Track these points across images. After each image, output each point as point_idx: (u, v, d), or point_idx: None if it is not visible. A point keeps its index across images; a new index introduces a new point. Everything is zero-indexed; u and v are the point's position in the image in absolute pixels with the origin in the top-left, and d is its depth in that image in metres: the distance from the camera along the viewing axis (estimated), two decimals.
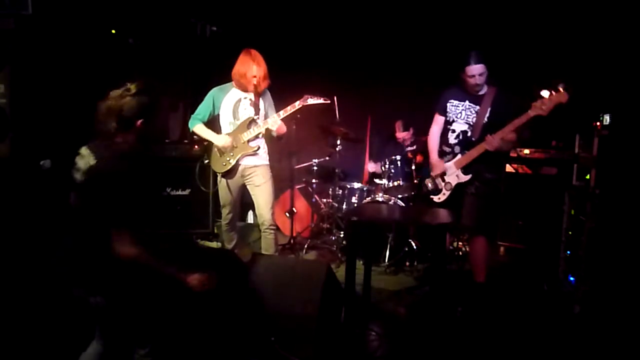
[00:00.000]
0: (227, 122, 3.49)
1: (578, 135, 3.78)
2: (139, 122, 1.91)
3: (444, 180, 3.45)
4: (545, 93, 3.09)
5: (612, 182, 3.21)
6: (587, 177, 3.46)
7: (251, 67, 3.33)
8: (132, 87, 1.93)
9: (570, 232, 3.68)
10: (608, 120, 3.27)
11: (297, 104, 3.38)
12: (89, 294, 1.87)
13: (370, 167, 5.05)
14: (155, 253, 1.90)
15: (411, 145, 4.79)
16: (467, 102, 3.37)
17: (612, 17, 4.19)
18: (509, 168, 4.51)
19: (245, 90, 3.44)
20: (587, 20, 4.35)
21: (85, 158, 1.89)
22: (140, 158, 1.99)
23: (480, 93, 3.34)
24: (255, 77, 3.33)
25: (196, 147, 4.71)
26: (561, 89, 3.00)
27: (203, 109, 3.50)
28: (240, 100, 3.47)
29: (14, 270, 3.14)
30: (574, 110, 3.80)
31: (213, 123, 3.55)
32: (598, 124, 3.32)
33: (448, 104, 3.44)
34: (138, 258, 1.84)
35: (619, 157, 3.21)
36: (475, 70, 3.22)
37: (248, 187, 3.53)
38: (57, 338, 2.66)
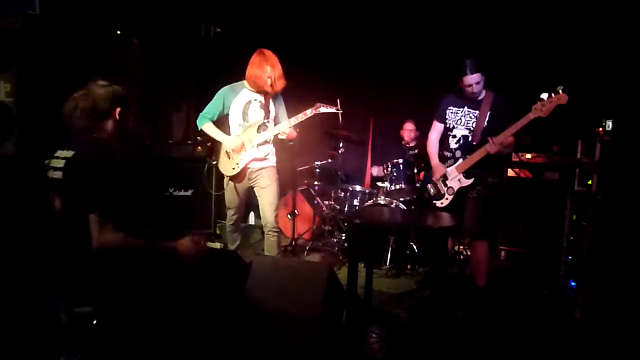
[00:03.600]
0: (236, 124, 3.44)
1: (580, 141, 3.79)
2: (117, 110, 1.98)
3: (446, 185, 3.46)
4: (544, 95, 3.13)
5: (614, 187, 3.22)
6: (589, 182, 3.47)
7: (265, 68, 3.27)
8: (100, 82, 2.02)
9: (571, 237, 3.69)
10: (610, 126, 3.28)
11: (309, 112, 3.31)
12: (73, 304, 1.81)
13: (374, 171, 5.06)
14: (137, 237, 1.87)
15: (414, 149, 4.80)
16: (465, 108, 3.39)
17: (615, 23, 4.20)
18: (510, 172, 4.52)
19: (262, 91, 3.37)
20: (590, 25, 4.37)
21: (63, 155, 1.91)
22: (121, 148, 2.03)
23: (479, 98, 3.36)
24: (270, 77, 3.27)
25: (199, 147, 4.72)
26: (560, 91, 3.03)
27: (213, 108, 3.42)
28: (250, 102, 3.41)
29: (16, 270, 3.15)
30: (577, 115, 3.82)
31: (220, 123, 3.50)
32: (600, 129, 3.32)
33: (447, 111, 3.46)
34: (119, 244, 1.81)
35: (621, 162, 3.22)
36: (472, 80, 3.24)
37: (254, 188, 3.50)
38: (56, 338, 2.66)
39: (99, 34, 4.15)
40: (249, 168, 3.43)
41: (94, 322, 1.82)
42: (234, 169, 3.41)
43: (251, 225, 5.48)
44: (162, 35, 4.99)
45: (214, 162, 3.57)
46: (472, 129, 3.36)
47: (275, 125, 3.41)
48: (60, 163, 1.91)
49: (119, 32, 4.46)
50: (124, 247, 1.83)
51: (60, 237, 1.90)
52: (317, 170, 4.93)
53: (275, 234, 3.48)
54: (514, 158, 4.49)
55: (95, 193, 1.80)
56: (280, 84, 3.33)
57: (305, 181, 5.14)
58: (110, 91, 2.00)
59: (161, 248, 1.93)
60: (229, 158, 3.43)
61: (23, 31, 3.30)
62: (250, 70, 3.33)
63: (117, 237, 1.81)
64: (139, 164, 4.61)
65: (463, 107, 3.40)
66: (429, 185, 3.58)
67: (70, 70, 3.76)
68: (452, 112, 3.45)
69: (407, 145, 4.87)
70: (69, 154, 1.90)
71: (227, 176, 3.48)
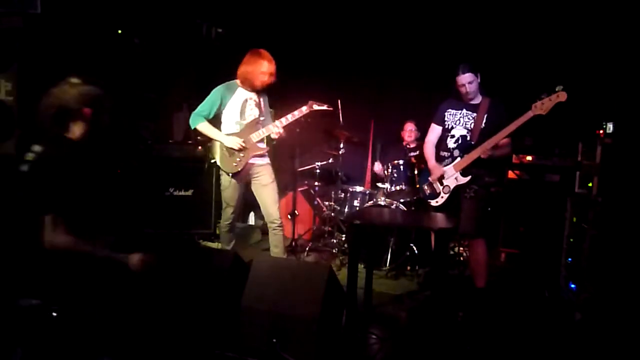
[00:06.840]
0: (232, 122, 3.48)
1: (581, 143, 3.79)
2: (87, 111, 1.93)
3: (442, 184, 3.49)
4: (544, 95, 3.15)
5: (615, 190, 3.21)
6: (590, 184, 3.47)
7: (261, 63, 3.36)
8: (73, 80, 1.99)
9: (571, 240, 3.68)
10: (611, 128, 3.28)
11: (304, 109, 3.41)
12: (18, 296, 1.79)
13: (376, 167, 5.03)
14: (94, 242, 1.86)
15: (414, 150, 4.79)
16: (464, 110, 3.48)
17: (616, 25, 4.20)
18: (511, 174, 4.52)
19: (252, 87, 3.44)
20: (591, 27, 4.36)
21: (35, 150, 1.89)
22: (91, 150, 2.00)
23: (476, 102, 3.45)
24: (264, 73, 3.37)
25: (200, 147, 4.72)
26: (559, 90, 3.05)
27: (208, 106, 3.44)
28: (246, 100, 3.48)
29: (16, 270, 3.14)
30: (577, 117, 3.82)
31: (212, 121, 3.50)
32: (601, 131, 3.33)
33: (446, 114, 3.54)
34: (70, 246, 1.81)
35: (622, 165, 3.21)
36: (464, 80, 3.35)
37: (253, 186, 3.56)
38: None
39: (100, 33, 4.15)
40: (249, 164, 3.48)
41: (53, 314, 1.81)
42: (236, 165, 3.46)
43: (251, 225, 5.47)
44: (163, 35, 5.00)
45: (213, 161, 3.59)
46: (470, 129, 3.43)
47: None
48: (31, 158, 1.90)
49: (120, 32, 4.46)
50: (73, 250, 1.83)
51: (12, 230, 1.90)
52: (318, 170, 4.93)
53: (280, 229, 3.56)
54: (515, 160, 4.48)
55: (51, 194, 1.80)
56: (271, 79, 3.43)
57: (306, 182, 5.14)
58: (79, 91, 1.95)
59: (113, 258, 1.91)
60: (230, 156, 3.47)
61: (24, 30, 3.30)
62: (245, 68, 3.41)
63: (67, 240, 1.82)
64: (139, 164, 4.61)
65: (461, 110, 3.48)
66: (424, 186, 3.62)
67: (71, 69, 3.76)
68: (450, 114, 3.52)
69: (408, 147, 4.86)
70: (40, 150, 1.89)
71: (228, 174, 3.50)
